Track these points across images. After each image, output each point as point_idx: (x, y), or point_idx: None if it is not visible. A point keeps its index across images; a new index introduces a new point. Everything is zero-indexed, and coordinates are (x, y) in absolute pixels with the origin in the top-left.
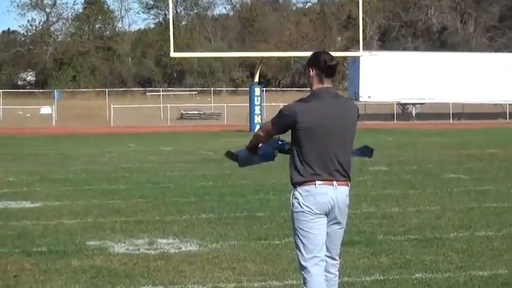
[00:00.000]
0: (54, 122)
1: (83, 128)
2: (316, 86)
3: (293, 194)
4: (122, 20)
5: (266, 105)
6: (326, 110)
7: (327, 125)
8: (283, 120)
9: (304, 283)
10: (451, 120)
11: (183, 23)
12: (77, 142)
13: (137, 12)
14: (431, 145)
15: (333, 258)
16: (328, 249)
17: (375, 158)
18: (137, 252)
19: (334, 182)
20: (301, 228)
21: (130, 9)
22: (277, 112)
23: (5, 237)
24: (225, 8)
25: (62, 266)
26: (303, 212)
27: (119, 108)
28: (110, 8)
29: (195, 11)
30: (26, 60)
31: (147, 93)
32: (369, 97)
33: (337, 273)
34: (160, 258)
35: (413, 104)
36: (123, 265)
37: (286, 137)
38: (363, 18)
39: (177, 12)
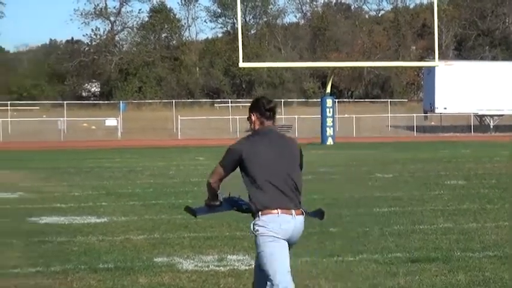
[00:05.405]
0: (119, 135)
1: (149, 140)
2: (257, 126)
3: (255, 223)
4: (189, 29)
5: (338, 117)
6: (269, 145)
7: (271, 159)
8: (231, 156)
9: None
10: None
11: (252, 31)
12: (143, 155)
13: (204, 21)
14: (510, 158)
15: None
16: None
17: (451, 171)
18: (206, 269)
19: (293, 211)
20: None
21: (197, 17)
22: (224, 152)
23: (70, 253)
24: (295, 16)
25: (128, 283)
26: (267, 236)
27: (186, 120)
28: (177, 16)
29: (265, 19)
30: (90, 70)
31: (216, 105)
32: (445, 108)
33: None
34: (230, 275)
35: (491, 116)
36: (191, 282)
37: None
38: (438, 26)
39: (245, 20)
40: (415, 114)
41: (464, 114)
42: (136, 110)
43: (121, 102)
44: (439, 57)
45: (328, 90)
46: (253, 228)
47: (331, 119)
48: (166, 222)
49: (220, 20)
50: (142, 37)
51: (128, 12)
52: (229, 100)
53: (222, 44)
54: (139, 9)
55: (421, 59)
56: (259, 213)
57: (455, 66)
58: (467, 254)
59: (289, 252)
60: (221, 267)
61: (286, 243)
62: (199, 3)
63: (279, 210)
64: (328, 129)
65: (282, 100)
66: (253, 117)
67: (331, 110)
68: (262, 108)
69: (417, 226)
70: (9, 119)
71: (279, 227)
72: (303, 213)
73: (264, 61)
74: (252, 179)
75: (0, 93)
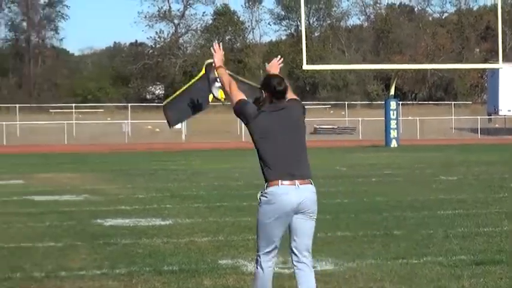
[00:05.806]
0: (183, 137)
1: (213, 143)
2: (268, 102)
3: (261, 192)
4: (253, 32)
5: (402, 119)
6: (275, 119)
7: (276, 132)
8: (246, 106)
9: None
10: None
11: (316, 34)
12: (208, 157)
13: (268, 24)
14: None
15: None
16: (296, 242)
17: None
18: None
19: (296, 182)
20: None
21: (261, 20)
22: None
23: (135, 255)
24: (359, 18)
25: (193, 286)
26: (265, 210)
27: None
28: (240, 19)
29: (328, 21)
30: (155, 73)
31: None
32: (509, 111)
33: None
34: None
35: None
36: None
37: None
38: (502, 28)
39: (309, 23)
40: (479, 117)
41: None
42: (200, 113)
43: None
44: (503, 60)
45: (392, 92)
46: (259, 198)
47: (395, 122)
48: (231, 224)
49: (284, 23)
50: (206, 39)
51: (191, 15)
52: None
53: (285, 47)
54: (203, 12)
55: (485, 61)
56: (267, 184)
57: None
58: None
59: (311, 224)
60: (285, 270)
61: (288, 217)
62: (263, 6)
63: (280, 181)
64: (392, 131)
65: (346, 102)
66: (264, 94)
67: (395, 112)
68: (273, 89)
69: (481, 229)
70: (74, 122)
71: (279, 198)
72: (311, 183)
73: (327, 63)
74: (260, 152)
75: (65, 96)
